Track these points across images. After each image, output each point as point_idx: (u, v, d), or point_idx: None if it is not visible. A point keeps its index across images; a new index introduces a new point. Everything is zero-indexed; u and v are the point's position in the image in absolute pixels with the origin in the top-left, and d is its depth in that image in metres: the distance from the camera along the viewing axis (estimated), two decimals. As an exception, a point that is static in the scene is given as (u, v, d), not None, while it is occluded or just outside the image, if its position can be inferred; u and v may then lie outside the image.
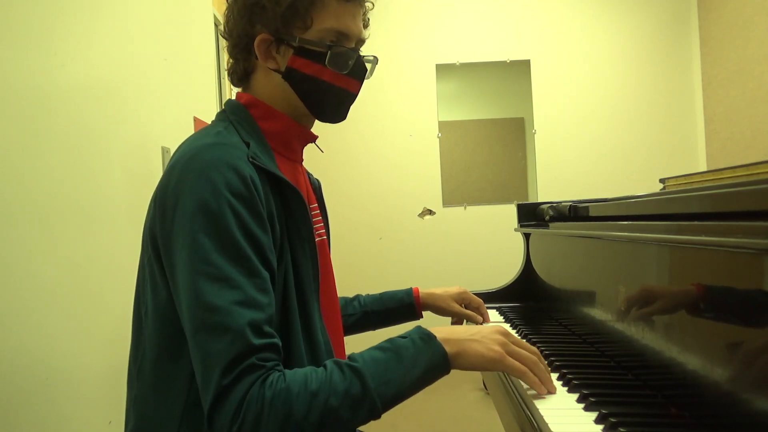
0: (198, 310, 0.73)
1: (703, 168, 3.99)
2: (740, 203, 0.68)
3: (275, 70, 0.90)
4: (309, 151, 1.07)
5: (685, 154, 4.06)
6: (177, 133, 1.97)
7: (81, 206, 1.34)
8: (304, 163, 1.04)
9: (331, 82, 0.90)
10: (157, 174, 1.78)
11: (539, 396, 0.83)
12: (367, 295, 1.27)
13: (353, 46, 0.92)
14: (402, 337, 0.80)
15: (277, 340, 0.76)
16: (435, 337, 0.80)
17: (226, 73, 0.98)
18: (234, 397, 0.70)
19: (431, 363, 0.78)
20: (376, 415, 0.74)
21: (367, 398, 0.73)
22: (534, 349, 0.87)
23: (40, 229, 1.19)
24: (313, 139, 0.99)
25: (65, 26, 1.33)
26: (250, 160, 0.81)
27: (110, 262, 1.46)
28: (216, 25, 2.63)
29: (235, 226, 0.75)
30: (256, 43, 0.89)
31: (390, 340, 0.80)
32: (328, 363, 0.76)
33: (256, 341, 0.72)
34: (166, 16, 1.93)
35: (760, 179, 0.76)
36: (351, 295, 1.28)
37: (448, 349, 0.79)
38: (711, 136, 3.93)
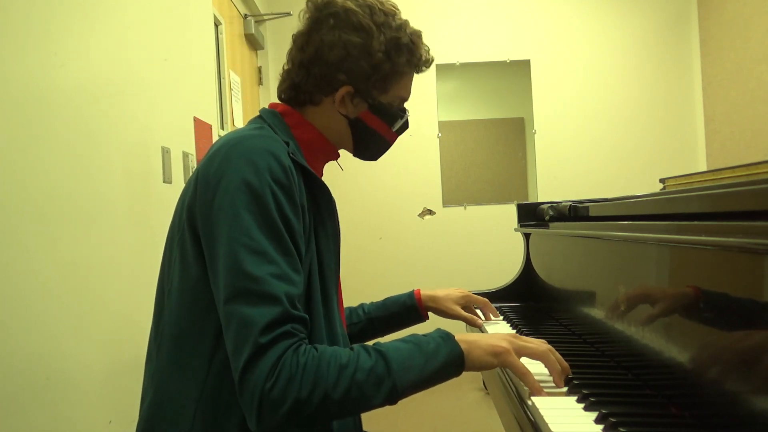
0: (236, 278, 0.77)
1: (703, 168, 3.99)
2: (740, 203, 0.68)
3: (344, 115, 0.98)
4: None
5: (685, 154, 4.06)
6: (177, 134, 1.97)
7: (81, 206, 1.34)
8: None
9: (385, 136, 1.04)
10: (157, 174, 1.78)
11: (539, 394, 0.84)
12: (371, 303, 1.29)
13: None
14: (423, 335, 0.86)
15: (306, 316, 0.81)
16: (454, 336, 0.86)
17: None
18: (270, 356, 0.74)
19: (449, 358, 0.83)
20: (394, 398, 0.79)
21: (390, 378, 0.78)
22: (542, 342, 0.91)
23: (40, 229, 1.19)
24: (336, 156, 1.06)
25: (65, 26, 1.33)
26: (290, 155, 0.87)
27: (110, 262, 1.46)
28: (216, 25, 2.63)
29: (274, 208, 0.80)
30: (340, 93, 0.96)
31: (412, 335, 0.86)
32: (355, 346, 0.82)
33: (292, 310, 0.78)
34: (165, 16, 1.93)
35: (760, 179, 0.76)
36: (355, 298, 1.29)
37: (462, 347, 0.84)
38: (711, 136, 3.93)
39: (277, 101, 1.03)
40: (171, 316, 0.86)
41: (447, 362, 0.82)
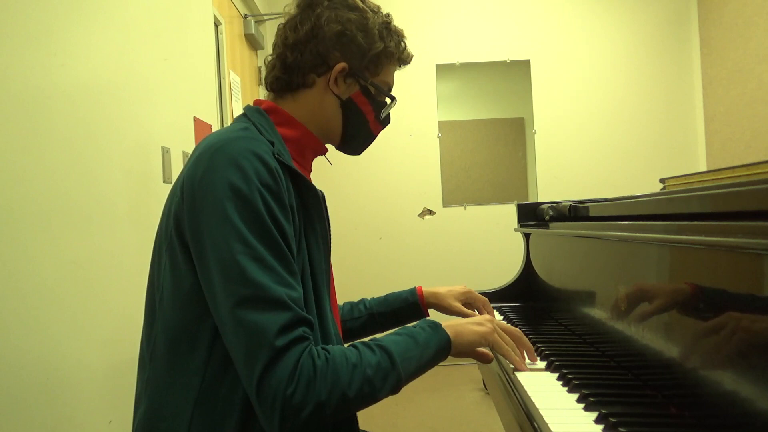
0: (239, 285, 0.76)
1: (703, 168, 3.99)
2: (740, 203, 0.68)
3: (336, 95, 0.99)
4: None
5: (685, 154, 4.06)
6: (177, 134, 1.97)
7: (81, 206, 1.34)
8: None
9: (371, 123, 1.05)
10: (157, 174, 1.78)
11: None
12: (372, 298, 1.29)
13: None
14: (413, 326, 0.93)
15: (311, 318, 0.82)
16: (440, 324, 0.93)
17: (263, 78, 1.08)
18: (287, 362, 0.75)
19: (439, 345, 0.90)
20: (398, 388, 0.83)
21: (395, 371, 0.82)
22: (515, 328, 1.02)
23: (40, 229, 1.19)
24: (324, 151, 1.06)
25: (65, 26, 1.33)
26: (276, 156, 0.86)
27: (110, 262, 1.46)
28: (216, 26, 2.63)
29: (265, 212, 0.80)
30: (337, 68, 0.97)
31: (404, 327, 0.92)
32: (357, 343, 0.85)
33: (300, 312, 0.78)
34: (166, 16, 1.93)
35: (760, 179, 0.76)
36: (354, 298, 1.29)
37: (449, 333, 0.92)
38: (711, 136, 3.93)
39: (262, 98, 1.02)
40: (164, 324, 0.85)
41: (438, 349, 0.90)
